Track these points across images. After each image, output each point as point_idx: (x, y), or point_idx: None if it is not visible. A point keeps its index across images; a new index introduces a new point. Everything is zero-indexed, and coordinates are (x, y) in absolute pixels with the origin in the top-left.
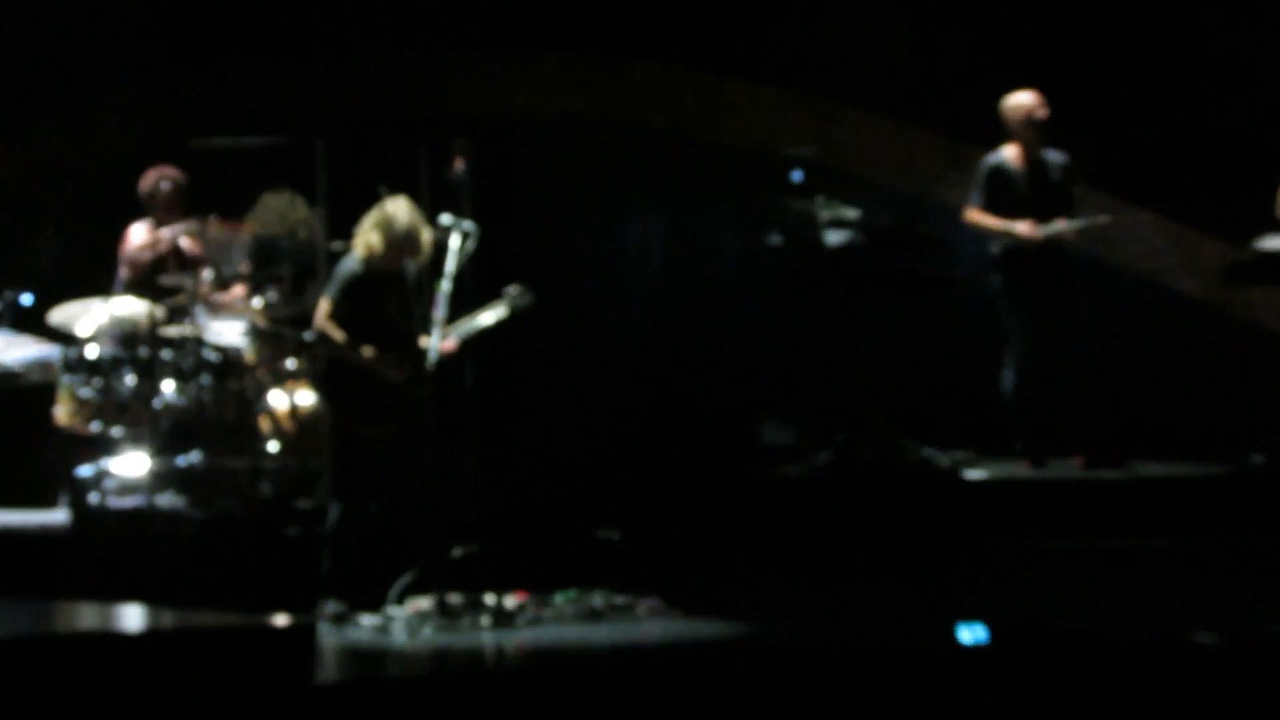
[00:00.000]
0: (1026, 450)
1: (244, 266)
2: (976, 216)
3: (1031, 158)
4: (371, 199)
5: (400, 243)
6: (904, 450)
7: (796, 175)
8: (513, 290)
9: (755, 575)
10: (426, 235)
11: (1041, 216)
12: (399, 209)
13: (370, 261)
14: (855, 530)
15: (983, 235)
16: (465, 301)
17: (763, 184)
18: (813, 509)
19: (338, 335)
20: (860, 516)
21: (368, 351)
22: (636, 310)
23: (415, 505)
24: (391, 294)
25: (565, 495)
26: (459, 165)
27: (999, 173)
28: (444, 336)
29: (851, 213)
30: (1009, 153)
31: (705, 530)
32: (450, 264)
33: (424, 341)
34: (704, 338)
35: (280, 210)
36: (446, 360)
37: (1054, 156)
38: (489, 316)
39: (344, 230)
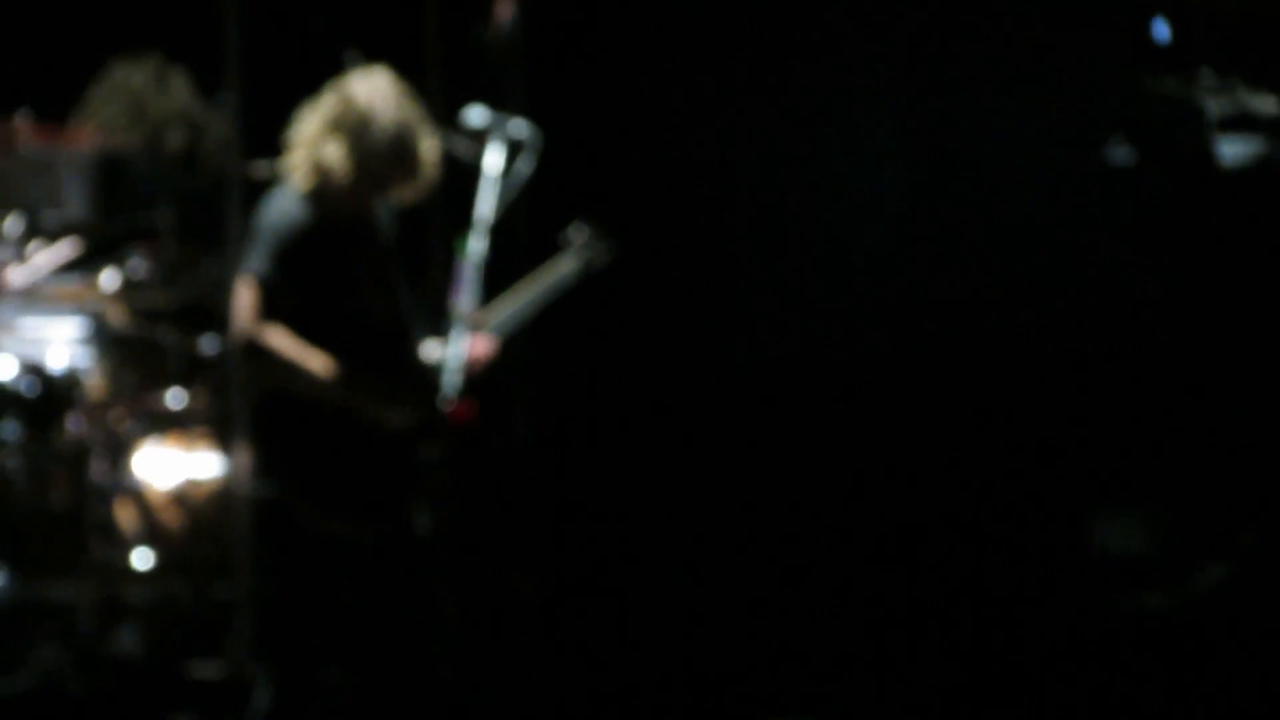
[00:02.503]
0: None
1: (79, 208)
2: None
3: None
4: (325, 77)
5: (385, 158)
6: None
7: (1161, 31)
8: (579, 235)
9: None
10: (429, 144)
11: None
12: (377, 92)
13: (326, 199)
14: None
15: None
16: (509, 271)
17: (1094, 48)
18: (1191, 668)
19: (285, 348)
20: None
21: (343, 377)
22: (847, 289)
23: (419, 674)
24: (360, 262)
25: (711, 654)
26: (504, 13)
27: None
28: (472, 338)
29: (1268, 104)
30: None
31: (988, 708)
32: (485, 204)
33: (430, 352)
34: (975, 343)
35: (141, 98)
36: (480, 386)
37: None
38: (543, 287)
39: (269, 142)
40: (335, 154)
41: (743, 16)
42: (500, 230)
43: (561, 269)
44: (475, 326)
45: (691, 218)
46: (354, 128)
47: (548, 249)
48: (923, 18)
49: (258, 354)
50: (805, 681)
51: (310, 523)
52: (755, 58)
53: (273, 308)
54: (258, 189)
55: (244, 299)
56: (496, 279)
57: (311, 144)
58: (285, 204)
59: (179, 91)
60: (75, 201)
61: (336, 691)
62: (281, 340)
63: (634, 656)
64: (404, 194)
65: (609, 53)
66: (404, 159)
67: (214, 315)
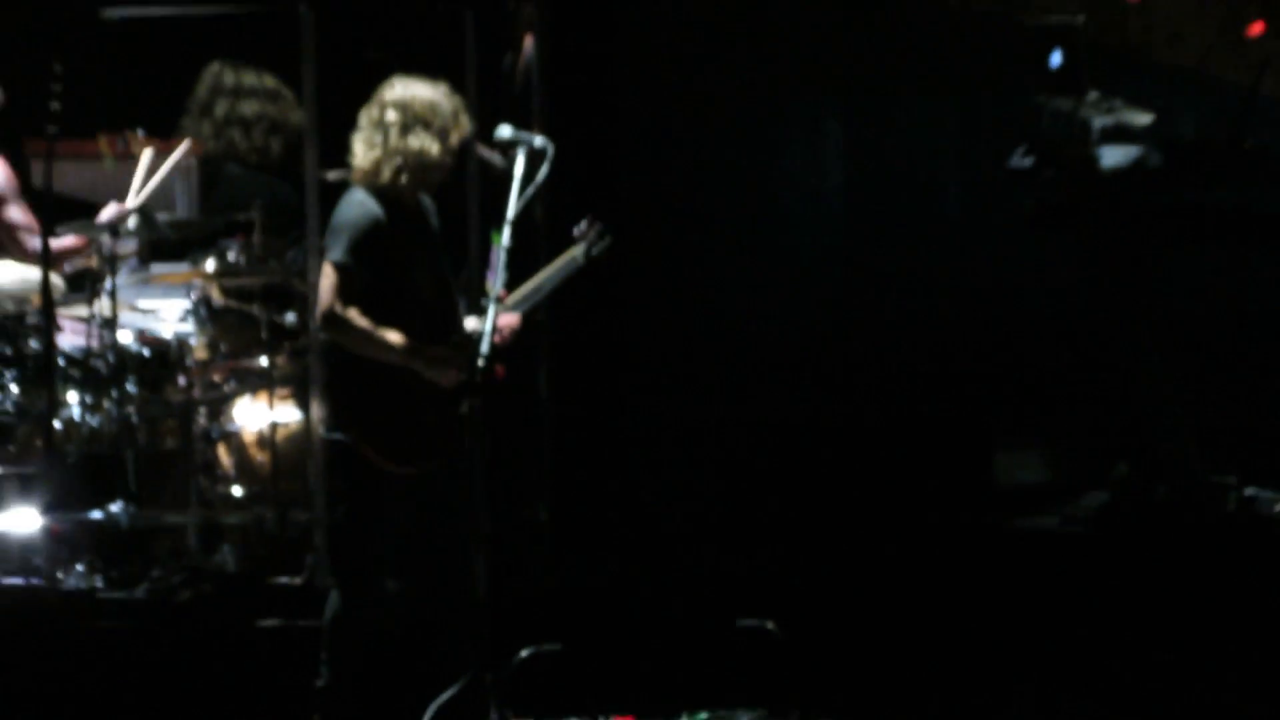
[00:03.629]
0: None
1: (184, 209)
2: None
3: None
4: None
5: (455, 123)
6: (1218, 490)
7: (1056, 58)
8: (587, 231)
9: (989, 680)
10: (469, 128)
11: None
12: (421, 89)
13: (393, 192)
14: (1142, 611)
15: None
16: (529, 260)
17: (1002, 72)
18: (1077, 579)
19: (361, 323)
20: (1150, 591)
21: (406, 343)
22: (800, 270)
23: (460, 583)
24: (417, 247)
25: (689, 564)
26: (527, 47)
27: None
28: (501, 313)
29: (1142, 118)
30: None
31: (910, 615)
32: (512, 203)
33: (470, 324)
34: (906, 313)
35: (264, 104)
36: (507, 353)
37: None
38: (558, 272)
39: (340, 153)
40: (426, 143)
41: (717, 53)
42: (523, 225)
43: (572, 257)
44: (504, 306)
45: (677, 213)
46: (425, 115)
47: (562, 241)
48: (864, 50)
49: (337, 327)
50: (765, 594)
51: (373, 461)
52: (729, 84)
53: (349, 289)
54: (331, 191)
55: (327, 282)
56: (520, 265)
57: (398, 145)
58: (359, 200)
59: (276, 98)
60: (181, 203)
61: (394, 598)
62: (356, 315)
63: (632, 569)
64: (451, 154)
65: (609, 78)
66: (462, 119)
67: (295, 294)
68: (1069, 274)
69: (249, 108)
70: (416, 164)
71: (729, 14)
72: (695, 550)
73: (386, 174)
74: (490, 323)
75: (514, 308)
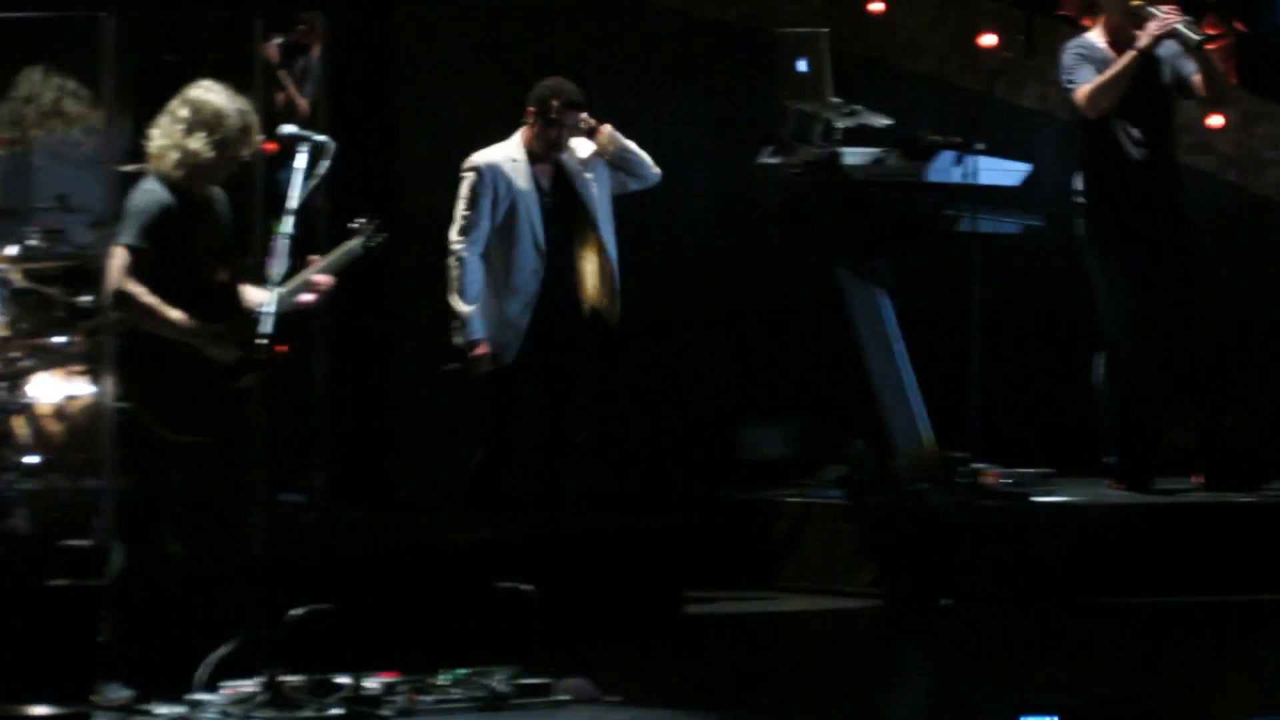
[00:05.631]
0: (1124, 465)
1: None
2: (1088, 89)
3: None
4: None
5: (240, 136)
6: (950, 465)
7: (801, 64)
8: (365, 226)
9: (729, 643)
10: (258, 135)
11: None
12: (216, 93)
13: (181, 183)
14: (875, 578)
15: (1068, 162)
16: (311, 247)
17: (748, 77)
18: (815, 548)
19: (148, 299)
20: (882, 558)
21: (189, 321)
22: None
23: (237, 544)
24: (204, 234)
25: (453, 530)
26: (314, 51)
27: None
28: (286, 297)
29: (881, 120)
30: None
31: (656, 579)
32: (294, 195)
33: (253, 298)
34: (655, 299)
35: (37, 96)
36: (289, 331)
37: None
38: (330, 262)
39: (138, 145)
40: (201, 145)
41: (484, 60)
42: (304, 216)
43: (350, 248)
44: (285, 291)
45: (448, 207)
46: (211, 121)
47: (340, 232)
48: (621, 55)
49: (125, 304)
50: (522, 559)
51: (155, 430)
52: (494, 88)
53: (137, 269)
54: (126, 181)
55: (117, 262)
56: (301, 253)
57: (176, 139)
58: (150, 189)
59: (67, 94)
60: None
61: (174, 558)
62: (143, 294)
63: (398, 534)
64: (241, 161)
65: (389, 81)
66: (249, 135)
67: (91, 276)
68: (813, 265)
69: (69, 106)
70: (191, 163)
71: (496, 23)
72: (457, 517)
73: (167, 164)
74: (272, 304)
75: (291, 293)
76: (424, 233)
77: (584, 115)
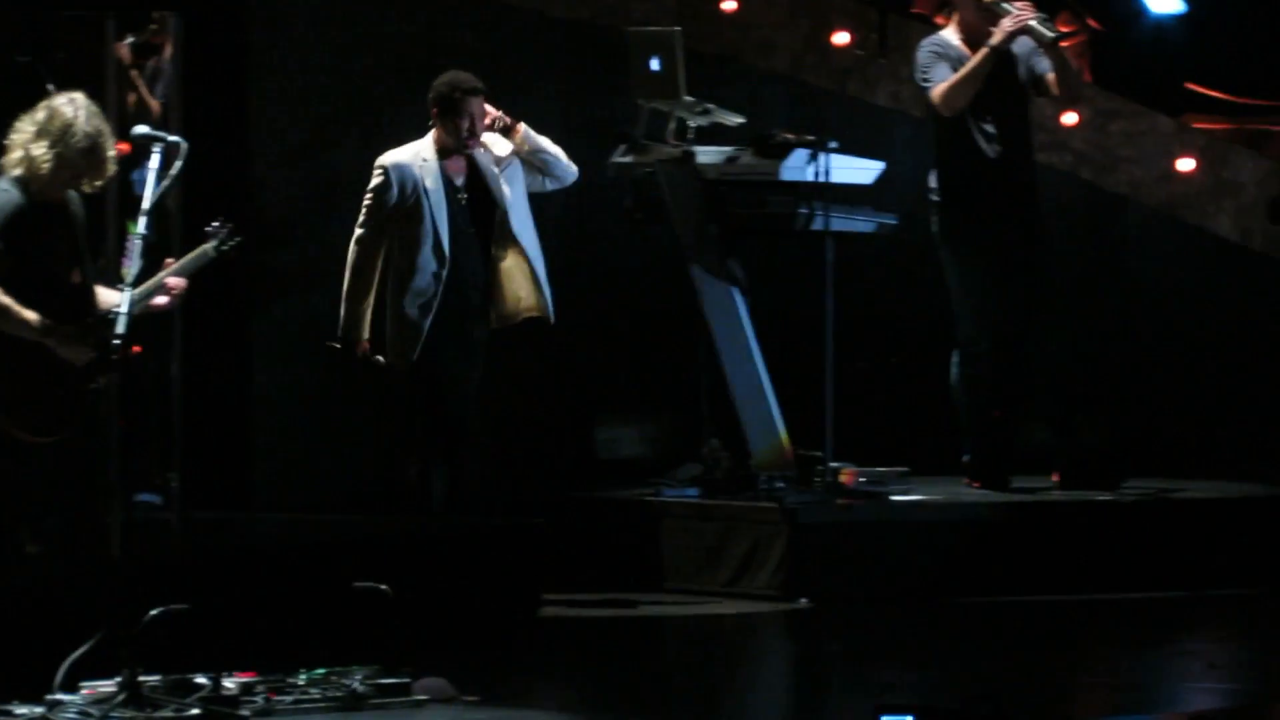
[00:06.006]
0: (981, 464)
1: None
2: (944, 87)
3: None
4: (28, 99)
5: (82, 156)
6: (806, 464)
7: (654, 63)
8: (219, 229)
9: (591, 643)
10: (112, 147)
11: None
12: (76, 108)
13: (32, 186)
14: (732, 578)
15: (922, 160)
16: (164, 249)
17: (601, 76)
18: (672, 548)
19: (0, 299)
20: (739, 558)
21: (41, 322)
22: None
23: (94, 544)
24: (58, 235)
25: (310, 530)
26: (166, 52)
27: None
28: (140, 298)
29: (733, 119)
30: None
31: (514, 579)
32: (148, 196)
33: (107, 299)
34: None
35: None
36: (143, 332)
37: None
38: (184, 265)
39: None
40: (44, 154)
41: (337, 62)
42: (157, 216)
43: (204, 250)
44: (138, 294)
45: (304, 208)
46: (61, 133)
47: (193, 232)
48: (471, 55)
49: None
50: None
51: (10, 432)
52: (348, 89)
53: None
54: None
55: None
56: (155, 254)
57: (23, 145)
58: (2, 189)
59: None
60: None
61: (30, 559)
62: None
63: (254, 534)
64: (94, 183)
65: (242, 83)
66: (95, 159)
67: None
68: (667, 264)
69: None
70: (31, 169)
71: (349, 23)
72: (313, 517)
73: (13, 166)
74: (125, 305)
75: (145, 295)
76: (277, 233)
77: (498, 112)
